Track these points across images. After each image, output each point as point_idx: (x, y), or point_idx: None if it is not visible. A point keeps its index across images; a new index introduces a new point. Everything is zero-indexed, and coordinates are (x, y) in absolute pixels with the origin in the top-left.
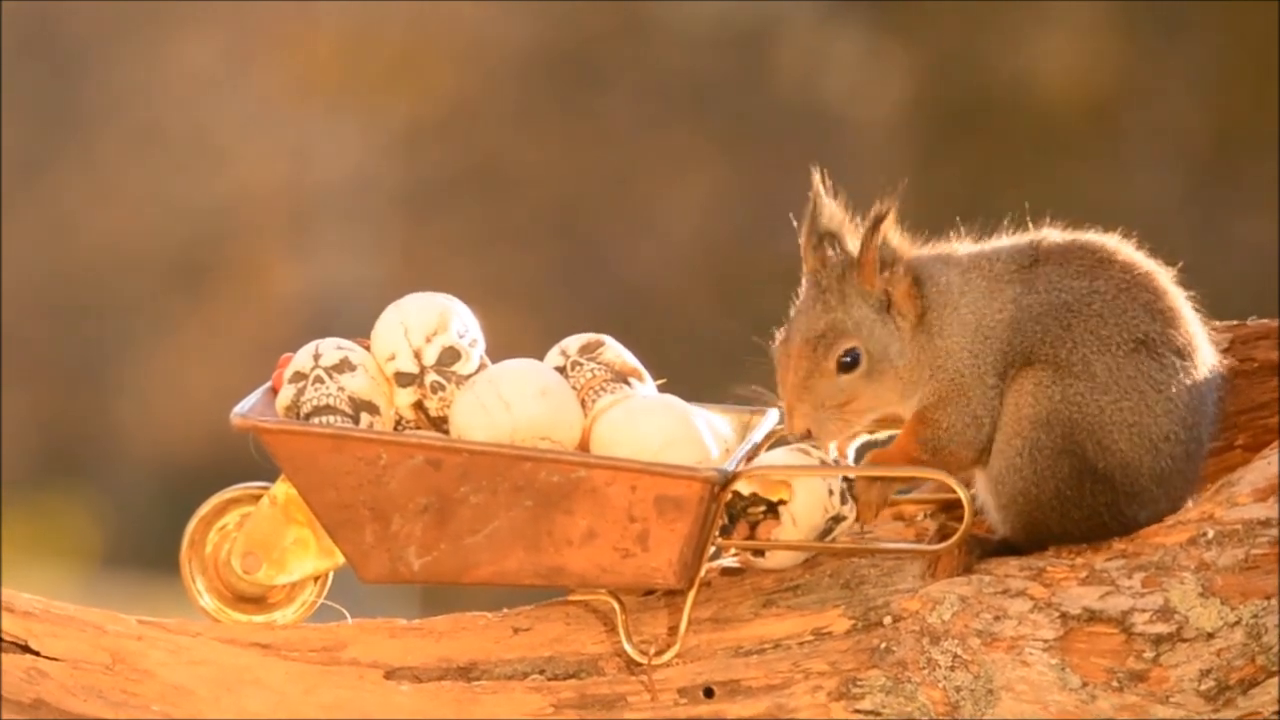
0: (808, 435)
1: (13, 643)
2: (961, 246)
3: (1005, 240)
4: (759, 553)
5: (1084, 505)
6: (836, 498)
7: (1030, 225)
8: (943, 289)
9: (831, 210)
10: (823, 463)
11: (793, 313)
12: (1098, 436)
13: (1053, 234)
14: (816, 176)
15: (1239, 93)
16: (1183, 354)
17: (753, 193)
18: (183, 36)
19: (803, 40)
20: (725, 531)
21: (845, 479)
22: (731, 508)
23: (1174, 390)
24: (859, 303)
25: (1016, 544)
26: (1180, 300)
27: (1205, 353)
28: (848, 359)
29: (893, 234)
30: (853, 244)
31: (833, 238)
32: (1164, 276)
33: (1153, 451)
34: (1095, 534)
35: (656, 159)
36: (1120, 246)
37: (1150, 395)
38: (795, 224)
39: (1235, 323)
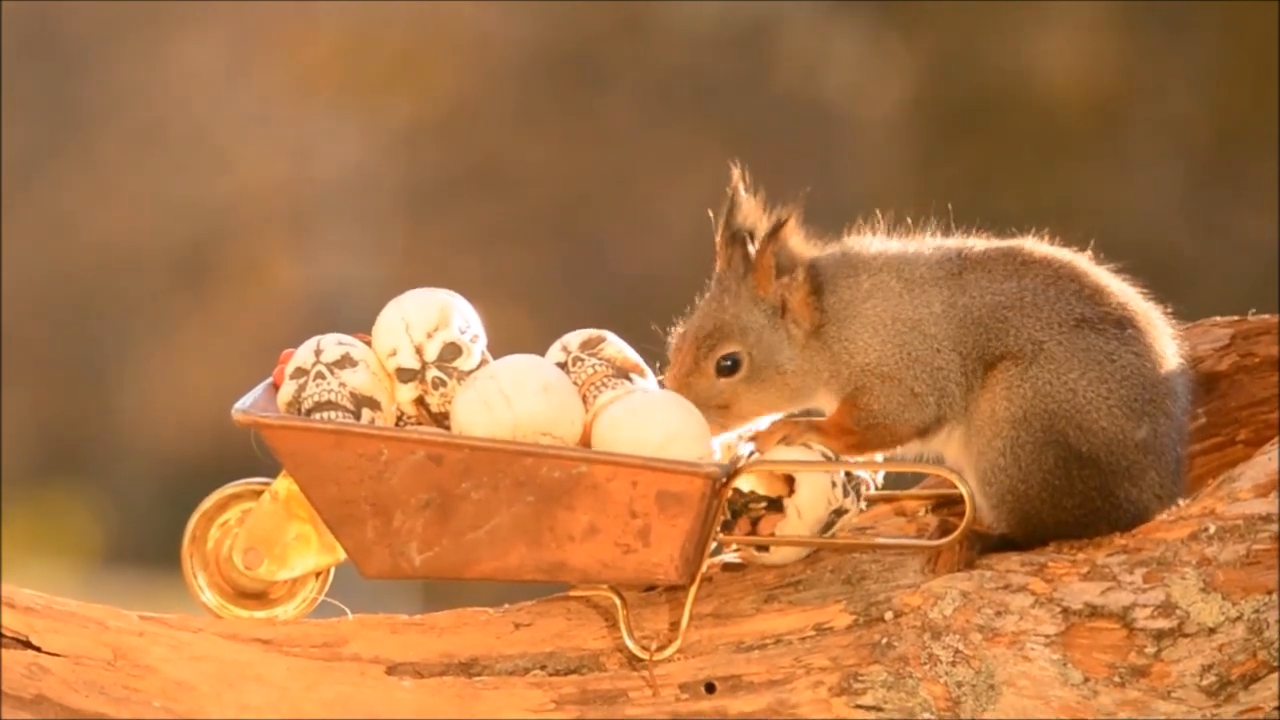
0: None
1: (14, 639)
2: (872, 244)
3: (923, 244)
4: (762, 547)
5: (1074, 492)
6: (839, 490)
7: (955, 229)
8: (846, 299)
9: (749, 208)
10: (824, 457)
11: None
12: (1076, 420)
13: (969, 240)
14: (736, 173)
15: (1240, 91)
16: (1120, 324)
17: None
18: (183, 36)
19: (803, 39)
20: (727, 527)
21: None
22: (733, 504)
23: (1126, 357)
24: (751, 308)
25: (1016, 540)
26: (1104, 276)
27: (1144, 317)
28: (727, 363)
29: (795, 240)
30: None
31: (746, 235)
32: (1083, 260)
33: (1131, 418)
34: (1090, 519)
35: (657, 157)
36: (1037, 245)
37: (1107, 366)
38: (711, 219)
39: (1236, 318)
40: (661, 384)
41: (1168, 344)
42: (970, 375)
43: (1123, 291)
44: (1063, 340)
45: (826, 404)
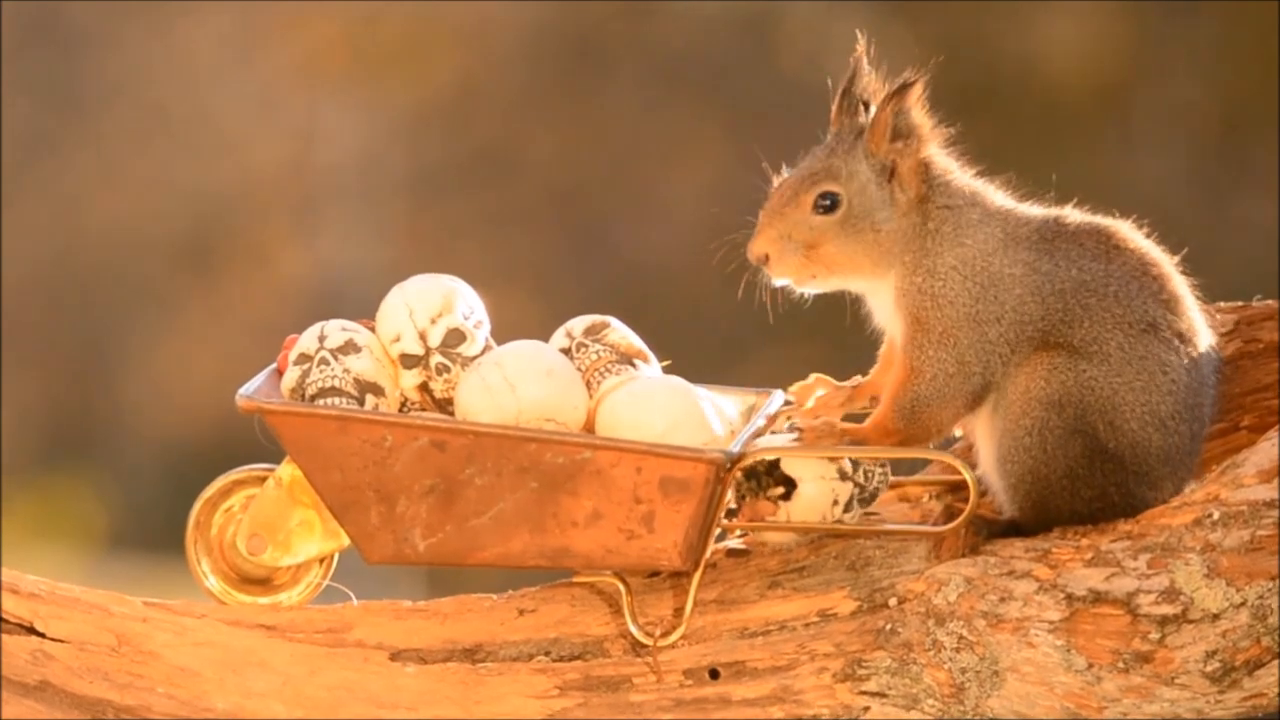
0: (765, 260)
1: (18, 624)
2: (997, 196)
3: (1032, 209)
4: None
5: (1094, 484)
6: (840, 488)
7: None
8: (955, 207)
9: (869, 79)
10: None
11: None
12: (1109, 417)
13: (1072, 214)
14: (861, 45)
15: (1245, 75)
16: (1184, 338)
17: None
18: (188, 20)
19: (808, 22)
20: (731, 513)
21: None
22: (750, 487)
23: (1178, 372)
24: (862, 159)
25: (1024, 525)
26: (1181, 285)
27: (1204, 336)
28: (826, 200)
29: (917, 112)
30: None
31: (865, 107)
32: (1168, 263)
33: (1161, 431)
34: (1103, 514)
35: (661, 141)
36: (1131, 233)
37: (1158, 376)
38: (830, 84)
39: (1240, 304)
40: (666, 371)
41: (1212, 363)
42: (1019, 349)
43: (1194, 308)
44: (1125, 343)
45: (888, 313)
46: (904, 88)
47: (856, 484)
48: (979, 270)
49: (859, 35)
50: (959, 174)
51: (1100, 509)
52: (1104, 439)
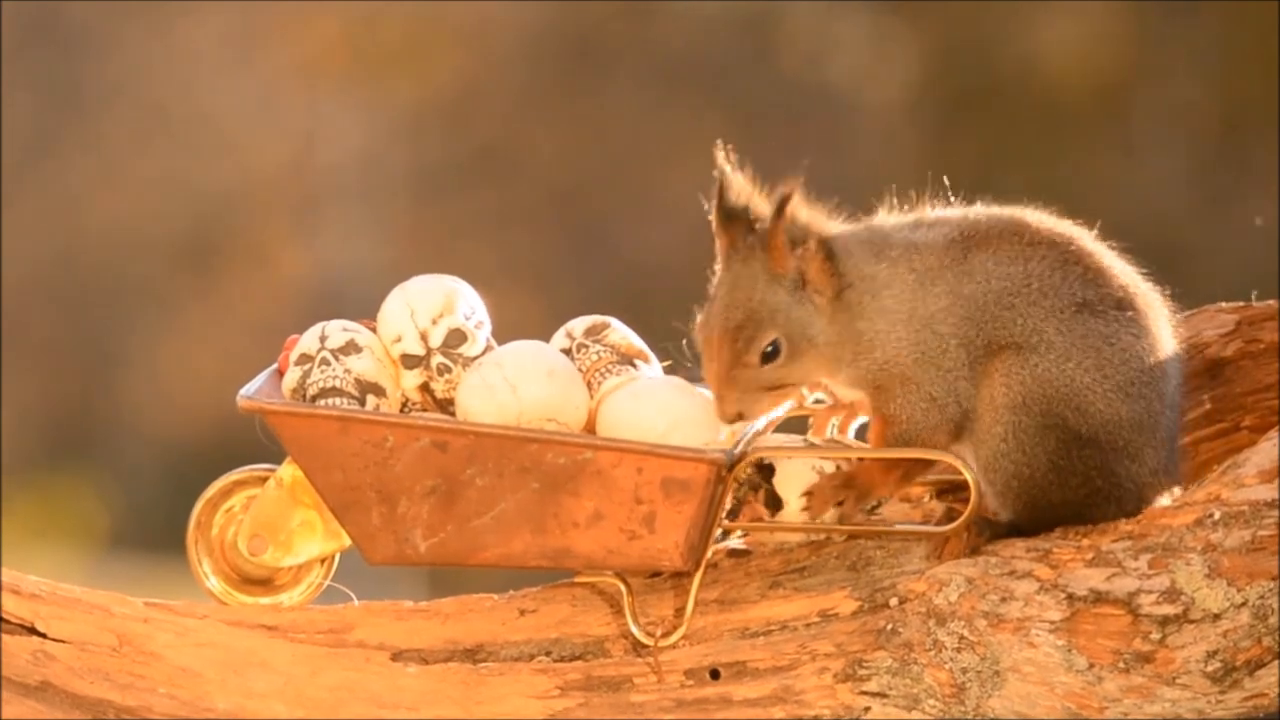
0: (739, 418)
1: (19, 625)
2: (886, 223)
3: (930, 222)
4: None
5: (1077, 472)
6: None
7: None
8: (866, 274)
9: (739, 186)
10: (829, 444)
11: (710, 292)
12: (1074, 403)
13: (972, 213)
14: (720, 154)
15: (1245, 75)
16: (1121, 305)
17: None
18: (189, 19)
19: (809, 22)
20: (732, 513)
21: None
22: (739, 495)
23: (1124, 339)
24: (773, 287)
25: (1021, 526)
26: (1106, 256)
27: (1143, 298)
28: (770, 349)
29: (801, 211)
30: (764, 219)
31: (743, 213)
32: (1086, 238)
33: (1125, 400)
34: (1093, 499)
35: (662, 141)
36: (1041, 220)
37: (1104, 349)
38: (703, 203)
39: (1241, 304)
40: (667, 371)
41: (1164, 325)
42: (975, 366)
43: (1124, 272)
44: (1063, 327)
45: (849, 392)
46: (784, 201)
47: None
48: (909, 318)
49: (718, 145)
50: (850, 238)
51: (1089, 495)
52: (1075, 425)
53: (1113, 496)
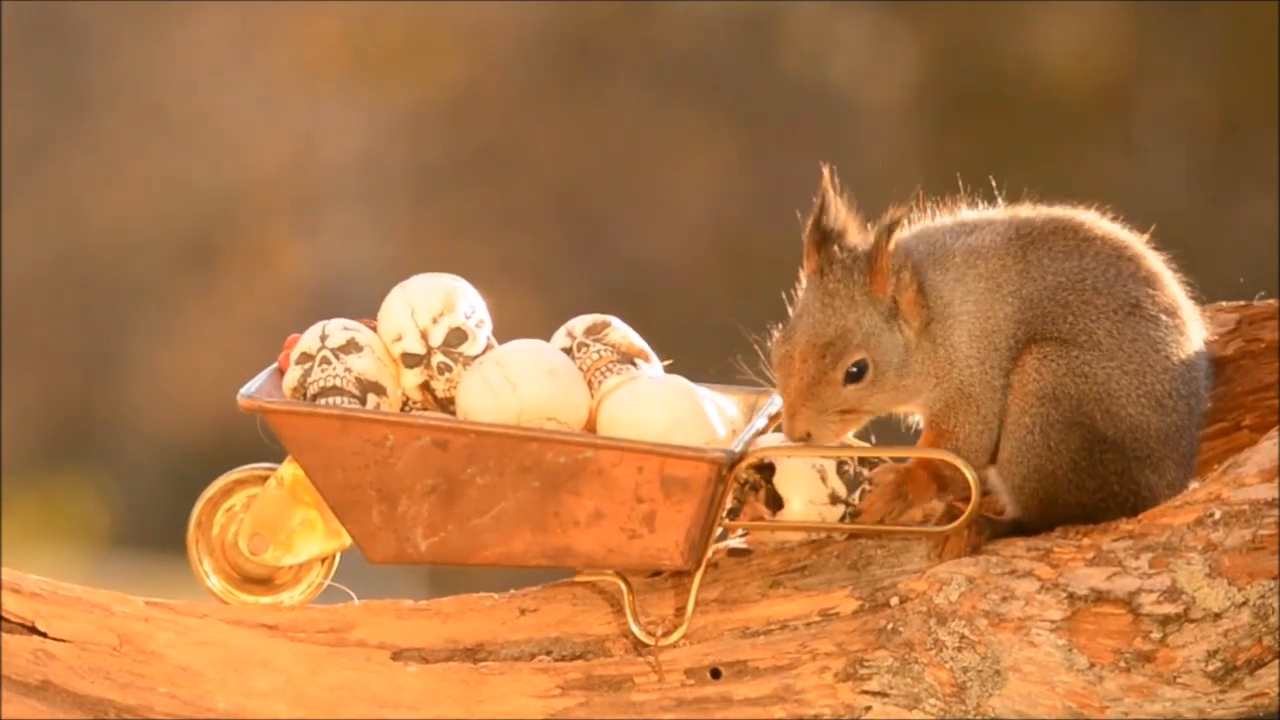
0: (807, 437)
1: (19, 624)
2: (944, 231)
3: (986, 226)
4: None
5: (1097, 475)
6: (833, 483)
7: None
8: (945, 298)
9: (839, 208)
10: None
11: (793, 309)
12: (1105, 404)
13: (1024, 211)
14: (826, 173)
15: (1246, 75)
16: (1170, 312)
17: (760, 174)
18: (190, 19)
19: (810, 21)
20: (732, 513)
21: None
22: (752, 483)
23: (1170, 348)
24: (869, 310)
25: (1027, 524)
26: (1158, 262)
27: (1187, 309)
28: (855, 370)
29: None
30: (856, 242)
31: (839, 236)
32: (1139, 243)
33: (1158, 411)
34: (1107, 503)
35: (663, 140)
36: (1095, 220)
37: (1150, 355)
38: (800, 219)
39: (1242, 303)
40: (668, 370)
41: (1199, 337)
42: (1014, 360)
43: (1172, 281)
44: (1113, 329)
45: (908, 409)
46: (892, 227)
47: (849, 506)
48: (980, 334)
49: (823, 168)
50: (928, 259)
51: (1103, 499)
52: (1102, 428)
53: (1128, 504)
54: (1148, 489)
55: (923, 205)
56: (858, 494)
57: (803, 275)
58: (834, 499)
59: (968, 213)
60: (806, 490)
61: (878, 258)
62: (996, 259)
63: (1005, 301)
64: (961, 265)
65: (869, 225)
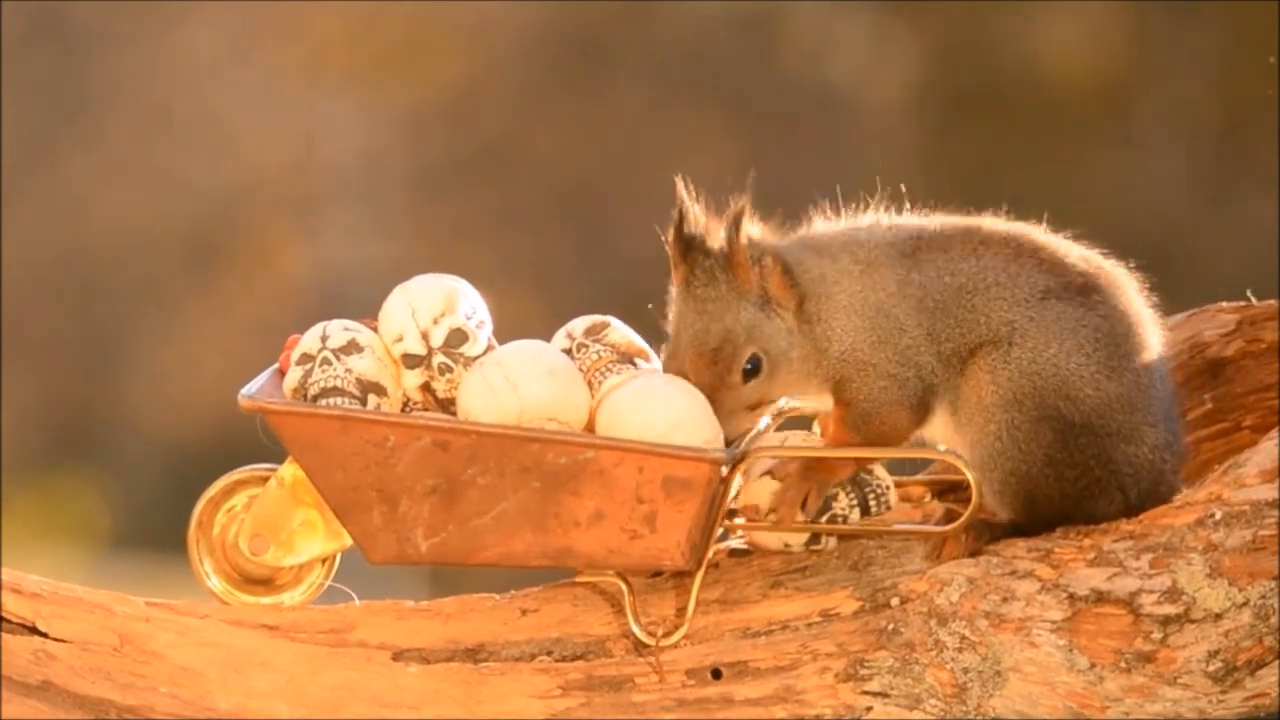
0: (724, 441)
1: (20, 624)
2: (820, 227)
3: (876, 222)
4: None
5: (1075, 463)
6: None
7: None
8: (815, 277)
9: (696, 215)
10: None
11: (669, 323)
12: (1064, 392)
13: (932, 221)
14: (679, 182)
15: (1247, 74)
16: (1083, 290)
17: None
18: (190, 19)
19: (810, 22)
20: (732, 513)
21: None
22: None
23: (1094, 321)
24: (743, 305)
25: (1021, 525)
26: (1061, 245)
27: (1106, 274)
28: (750, 366)
29: (752, 227)
30: (716, 244)
31: (701, 242)
32: (1039, 231)
33: (1111, 378)
34: (1092, 490)
35: (664, 141)
36: (995, 222)
37: (1080, 333)
38: (659, 233)
39: (1242, 304)
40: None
41: (1134, 299)
42: (947, 360)
43: (1082, 257)
44: (1033, 316)
45: (821, 398)
46: (739, 216)
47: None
48: (861, 307)
49: (677, 181)
50: (795, 247)
51: (1086, 486)
52: (1069, 414)
53: (1113, 483)
54: (1128, 464)
55: (834, 211)
56: (824, 519)
57: (671, 287)
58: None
59: (878, 217)
60: (769, 503)
61: (735, 251)
62: (877, 249)
63: (886, 281)
64: (837, 251)
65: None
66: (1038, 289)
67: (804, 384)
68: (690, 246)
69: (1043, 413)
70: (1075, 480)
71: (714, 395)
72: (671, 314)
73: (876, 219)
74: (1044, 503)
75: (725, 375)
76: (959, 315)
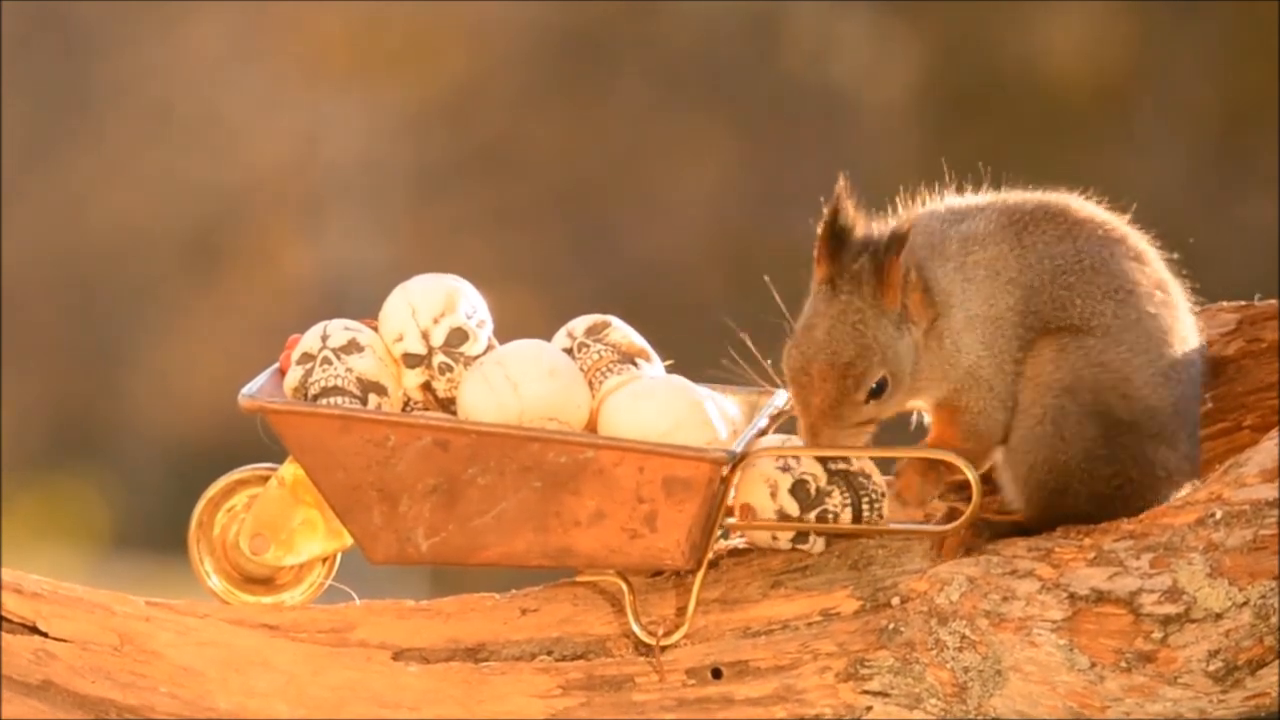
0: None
1: (21, 624)
2: (937, 219)
3: (977, 213)
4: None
5: (1114, 460)
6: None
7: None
8: (945, 289)
9: (852, 215)
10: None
11: (802, 316)
12: (1122, 389)
13: (1010, 196)
14: (842, 180)
15: (1248, 74)
16: (1161, 287)
17: (763, 174)
18: (193, 18)
19: (811, 21)
20: (732, 512)
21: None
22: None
23: (1166, 322)
24: (883, 323)
25: (1030, 522)
26: (1140, 240)
27: (1172, 282)
28: (877, 387)
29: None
30: (864, 247)
31: (851, 242)
32: (1118, 221)
33: (1167, 384)
34: (1122, 489)
35: (666, 140)
36: (1080, 202)
37: (1153, 331)
38: (812, 225)
39: (1243, 303)
40: (669, 370)
41: (1184, 308)
42: (1026, 342)
43: (1156, 257)
44: (1117, 311)
45: (925, 405)
46: (900, 240)
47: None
48: (985, 320)
49: (841, 176)
50: (927, 251)
51: (1119, 486)
52: (1119, 412)
53: (1145, 486)
54: (1162, 467)
55: (911, 199)
56: (813, 515)
57: (812, 281)
58: (782, 516)
59: (954, 199)
60: (756, 504)
61: (891, 270)
62: (993, 245)
63: (1006, 290)
64: (959, 254)
65: (874, 223)
66: (1128, 280)
67: (915, 399)
68: (841, 245)
69: (1096, 406)
70: (1109, 479)
71: (835, 410)
72: (807, 305)
73: (962, 204)
74: (1071, 499)
75: (852, 393)
76: (1054, 295)
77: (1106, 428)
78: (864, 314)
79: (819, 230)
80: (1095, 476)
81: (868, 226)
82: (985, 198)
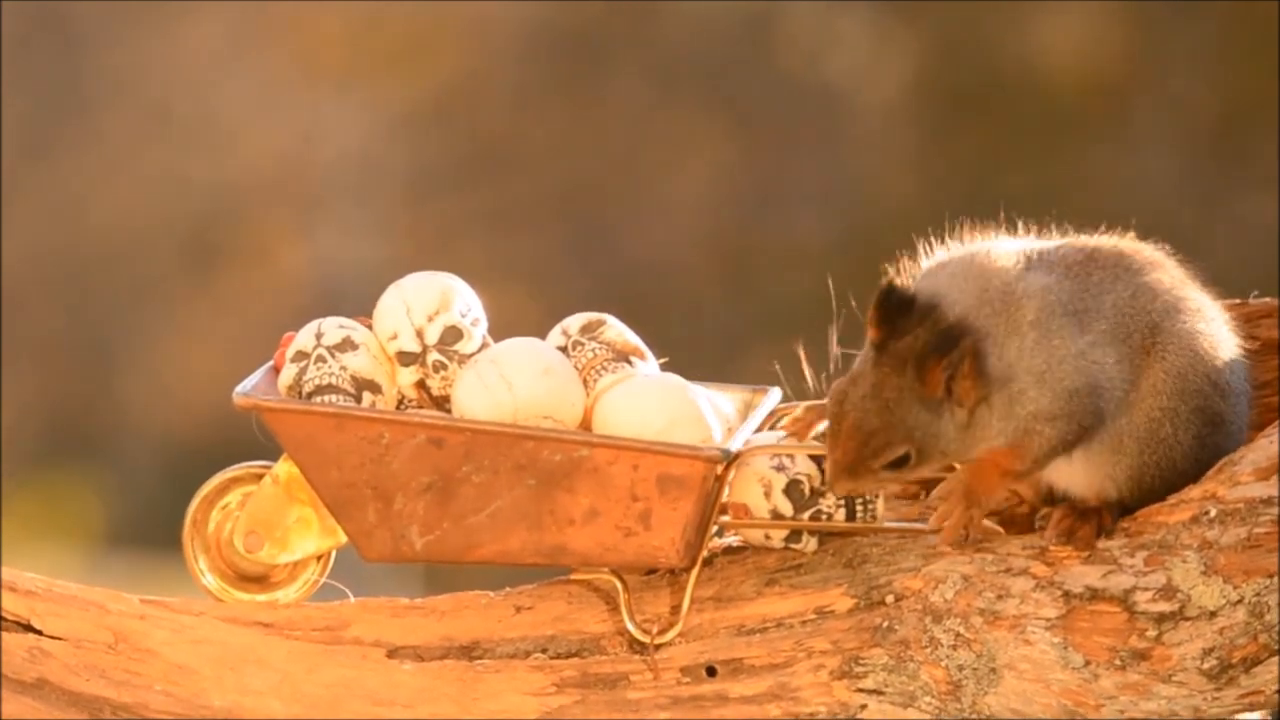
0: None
1: (15, 622)
2: (999, 276)
3: (1038, 265)
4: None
5: (1206, 447)
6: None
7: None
8: (1009, 361)
9: (904, 288)
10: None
11: (857, 363)
12: (1214, 379)
13: (1079, 241)
14: (901, 263)
15: (1244, 72)
16: (1201, 305)
17: (759, 173)
18: (191, 17)
19: (808, 21)
20: (726, 510)
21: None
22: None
23: (1223, 330)
24: (915, 406)
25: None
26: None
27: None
28: (898, 460)
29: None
30: (922, 317)
31: (909, 312)
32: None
33: (1236, 376)
34: (1197, 477)
35: (662, 139)
36: (1139, 247)
37: (1215, 321)
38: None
39: (1238, 301)
40: (664, 369)
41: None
42: (1134, 365)
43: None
44: (1194, 328)
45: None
46: (950, 342)
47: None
48: (1054, 370)
49: (900, 262)
50: (994, 324)
51: (1200, 472)
52: (1218, 408)
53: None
54: (1229, 450)
55: (942, 239)
56: (807, 515)
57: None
58: (776, 516)
59: (1002, 245)
60: (750, 503)
61: (933, 373)
62: (1070, 304)
63: (1083, 332)
64: (1036, 318)
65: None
66: (1190, 300)
67: (965, 459)
68: (896, 313)
69: (1201, 400)
70: (1206, 465)
71: (853, 470)
72: (861, 353)
73: (1039, 246)
74: (1168, 492)
75: (869, 460)
76: (1130, 323)
77: (1208, 423)
78: (901, 393)
79: (875, 300)
80: (1188, 477)
81: (933, 284)
82: (1032, 244)
